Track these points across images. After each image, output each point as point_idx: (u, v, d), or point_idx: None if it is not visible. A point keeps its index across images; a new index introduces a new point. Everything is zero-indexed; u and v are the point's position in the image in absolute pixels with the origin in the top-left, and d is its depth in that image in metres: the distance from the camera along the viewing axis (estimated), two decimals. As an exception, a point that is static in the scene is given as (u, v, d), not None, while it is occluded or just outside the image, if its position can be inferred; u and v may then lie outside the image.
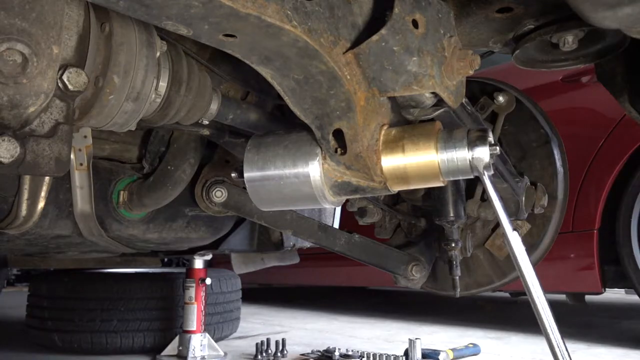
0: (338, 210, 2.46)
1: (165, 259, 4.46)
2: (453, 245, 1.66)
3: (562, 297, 3.69)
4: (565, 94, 3.11)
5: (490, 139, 0.91)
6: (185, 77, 1.06)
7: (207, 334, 2.81)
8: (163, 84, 1.02)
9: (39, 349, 3.06)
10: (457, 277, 1.69)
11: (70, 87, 0.86)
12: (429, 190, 1.76)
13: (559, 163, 1.93)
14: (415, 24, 0.87)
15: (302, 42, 0.76)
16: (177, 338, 2.84)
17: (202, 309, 2.81)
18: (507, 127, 1.84)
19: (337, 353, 2.79)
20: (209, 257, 2.80)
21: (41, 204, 1.21)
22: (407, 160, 0.92)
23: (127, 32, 0.92)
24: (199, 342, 2.76)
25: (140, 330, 2.93)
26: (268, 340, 2.92)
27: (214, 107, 1.15)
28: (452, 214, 1.64)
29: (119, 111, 0.95)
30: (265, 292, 6.48)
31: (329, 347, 2.91)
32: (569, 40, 1.03)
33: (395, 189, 0.96)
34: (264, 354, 2.84)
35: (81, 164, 1.38)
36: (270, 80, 0.87)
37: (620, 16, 0.75)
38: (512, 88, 1.93)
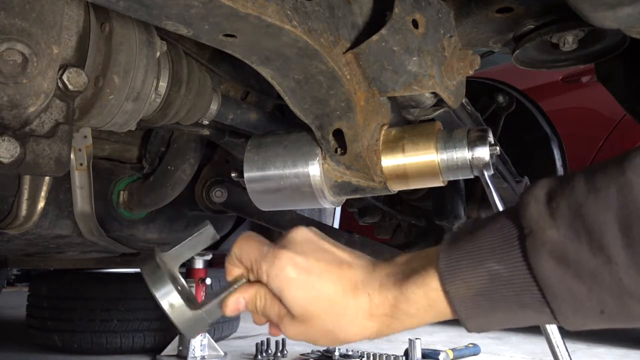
0: (338, 210, 2.46)
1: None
2: (453, 245, 1.66)
3: (562, 297, 3.68)
4: (565, 94, 3.11)
5: (491, 138, 0.91)
6: (185, 77, 1.06)
7: (207, 334, 2.81)
8: (163, 84, 1.02)
9: (39, 349, 3.06)
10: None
11: (70, 87, 0.86)
12: (429, 191, 1.76)
13: (559, 163, 1.93)
14: (415, 24, 0.87)
15: (302, 42, 0.76)
16: (177, 338, 2.84)
17: (202, 309, 2.80)
18: (507, 127, 1.84)
19: (337, 353, 2.79)
20: (209, 257, 2.80)
21: (41, 204, 1.21)
22: (407, 160, 0.92)
23: (127, 32, 0.92)
24: (199, 342, 2.76)
25: (140, 330, 2.93)
26: (268, 340, 2.92)
27: (214, 107, 1.15)
28: (452, 214, 1.64)
29: (119, 111, 0.95)
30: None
31: (328, 347, 2.91)
32: (569, 40, 1.03)
33: (395, 189, 0.96)
34: (264, 354, 2.84)
35: (81, 164, 1.38)
36: (270, 80, 0.87)
37: (620, 16, 0.75)
38: (513, 88, 1.93)
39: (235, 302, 0.68)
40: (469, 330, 0.57)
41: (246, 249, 0.66)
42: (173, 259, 0.74)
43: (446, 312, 0.57)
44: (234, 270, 0.68)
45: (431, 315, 0.58)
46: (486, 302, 0.54)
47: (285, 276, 0.61)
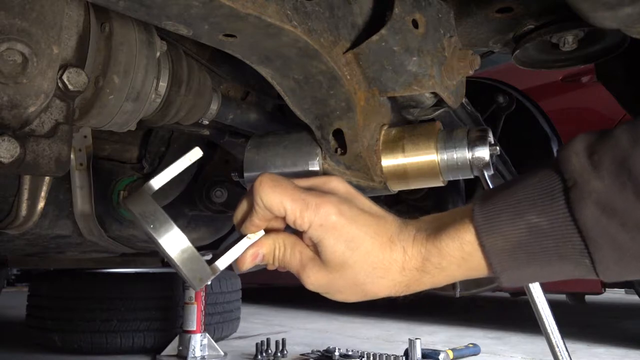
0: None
1: (166, 259, 4.45)
2: (453, 245, 1.66)
3: (562, 297, 3.69)
4: (565, 94, 3.10)
5: (491, 139, 0.91)
6: (185, 77, 1.06)
7: (207, 334, 2.81)
8: (163, 84, 1.02)
9: (39, 349, 3.06)
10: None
11: (70, 87, 0.86)
12: (429, 191, 1.76)
13: (559, 163, 1.92)
14: (415, 24, 0.87)
15: (302, 42, 0.76)
16: (177, 338, 2.84)
17: (202, 309, 2.81)
18: (507, 127, 1.84)
19: (337, 353, 2.79)
20: (209, 257, 2.80)
21: (41, 204, 1.21)
22: (407, 160, 0.92)
23: (127, 32, 0.92)
24: (199, 342, 2.76)
25: (140, 330, 2.94)
26: (268, 340, 2.92)
27: (214, 107, 1.15)
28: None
29: (119, 111, 0.95)
30: (265, 292, 6.48)
31: (329, 347, 2.91)
32: (569, 40, 1.03)
33: (395, 189, 0.96)
34: (264, 354, 2.84)
35: (81, 164, 1.38)
36: (270, 80, 0.87)
37: (620, 16, 0.75)
38: (513, 88, 1.93)
39: (253, 256, 0.64)
40: (502, 284, 0.57)
41: (277, 197, 0.60)
42: (160, 184, 0.67)
43: (479, 267, 0.57)
44: (261, 223, 0.63)
45: (463, 269, 0.58)
46: (524, 254, 0.54)
47: (330, 225, 0.59)
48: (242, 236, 0.65)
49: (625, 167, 0.49)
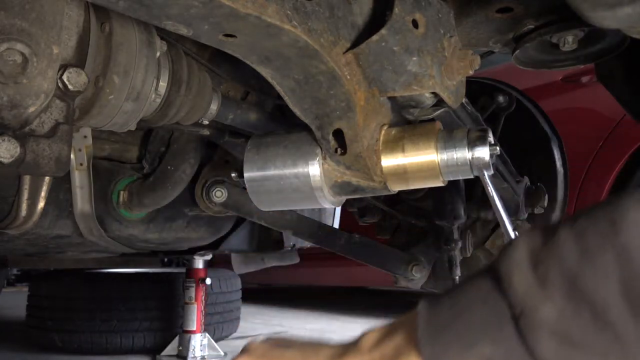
0: (338, 210, 2.46)
1: (165, 259, 4.46)
2: (453, 245, 1.66)
3: (562, 297, 3.69)
4: (565, 94, 3.10)
5: (491, 138, 0.91)
6: (185, 77, 1.06)
7: (207, 334, 2.81)
8: (163, 84, 1.02)
9: (39, 349, 3.06)
10: (457, 277, 1.69)
11: (70, 87, 0.86)
12: (429, 191, 1.76)
13: (559, 163, 1.93)
14: (415, 24, 0.87)
15: (302, 42, 0.76)
16: (177, 338, 2.84)
17: (202, 309, 2.81)
18: (507, 127, 1.84)
19: (337, 353, 2.78)
20: (209, 257, 2.80)
21: (41, 204, 1.21)
22: (407, 161, 0.92)
23: (127, 32, 0.92)
24: (199, 342, 2.76)
25: (140, 330, 2.94)
26: (268, 340, 2.92)
27: (214, 107, 1.15)
28: (452, 214, 1.64)
29: (119, 111, 0.95)
30: (265, 292, 6.48)
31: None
32: (569, 40, 1.03)
33: (395, 189, 0.96)
34: (264, 354, 2.84)
35: (81, 164, 1.38)
36: (270, 80, 0.87)
37: (620, 16, 0.75)
38: (513, 88, 1.93)
39: None
40: None
41: None
42: None
43: None
44: None
45: None
46: None
47: None
48: None
49: (576, 286, 0.43)
